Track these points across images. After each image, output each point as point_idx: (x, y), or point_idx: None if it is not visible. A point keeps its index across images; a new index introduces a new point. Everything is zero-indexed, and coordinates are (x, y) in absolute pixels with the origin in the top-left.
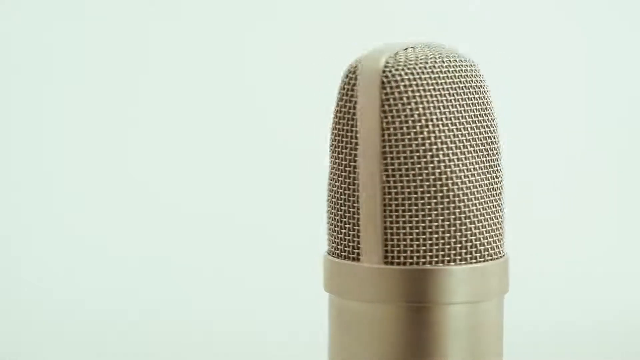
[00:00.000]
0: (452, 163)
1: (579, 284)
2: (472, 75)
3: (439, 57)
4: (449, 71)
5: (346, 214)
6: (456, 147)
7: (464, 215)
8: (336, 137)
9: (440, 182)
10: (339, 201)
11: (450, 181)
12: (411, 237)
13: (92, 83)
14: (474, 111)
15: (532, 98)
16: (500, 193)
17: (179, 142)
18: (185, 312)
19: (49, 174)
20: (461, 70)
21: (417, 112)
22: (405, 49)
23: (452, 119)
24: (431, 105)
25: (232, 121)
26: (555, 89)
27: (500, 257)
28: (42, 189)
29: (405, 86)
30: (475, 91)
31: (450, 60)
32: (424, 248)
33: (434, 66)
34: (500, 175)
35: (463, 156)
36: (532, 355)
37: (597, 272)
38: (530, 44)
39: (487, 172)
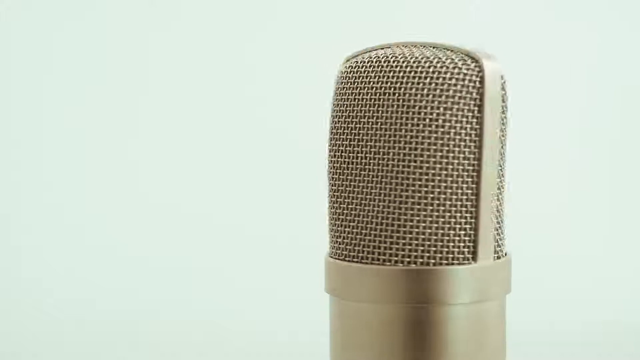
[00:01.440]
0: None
1: (580, 284)
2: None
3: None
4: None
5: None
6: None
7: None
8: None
9: (444, 184)
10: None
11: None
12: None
13: (93, 83)
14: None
15: (532, 98)
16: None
17: (181, 143)
18: (185, 312)
19: (50, 174)
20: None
21: (504, 114)
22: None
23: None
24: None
25: (234, 123)
26: (554, 89)
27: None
28: (43, 189)
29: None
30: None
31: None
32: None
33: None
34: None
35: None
36: (535, 354)
37: (599, 273)
38: (530, 44)
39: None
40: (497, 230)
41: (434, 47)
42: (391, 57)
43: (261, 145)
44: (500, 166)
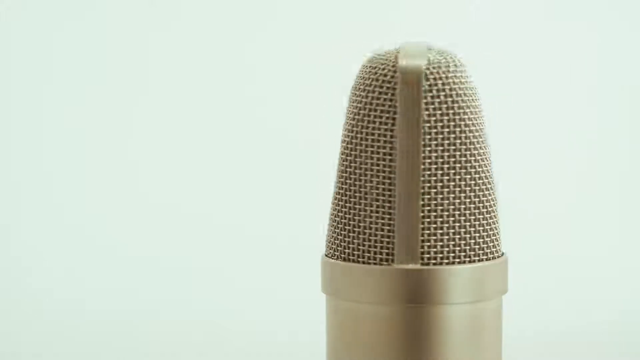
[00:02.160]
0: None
1: (578, 284)
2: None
3: (452, 61)
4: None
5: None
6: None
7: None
8: (361, 140)
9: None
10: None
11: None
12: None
13: (92, 83)
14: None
15: (531, 98)
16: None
17: (181, 143)
18: (185, 312)
19: (49, 174)
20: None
21: (452, 112)
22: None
23: (478, 118)
24: (465, 105)
25: (234, 123)
26: (554, 90)
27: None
28: (42, 189)
29: (444, 85)
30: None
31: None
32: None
33: (456, 69)
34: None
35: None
36: (531, 356)
37: (597, 272)
38: (529, 44)
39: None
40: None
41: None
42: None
43: (261, 145)
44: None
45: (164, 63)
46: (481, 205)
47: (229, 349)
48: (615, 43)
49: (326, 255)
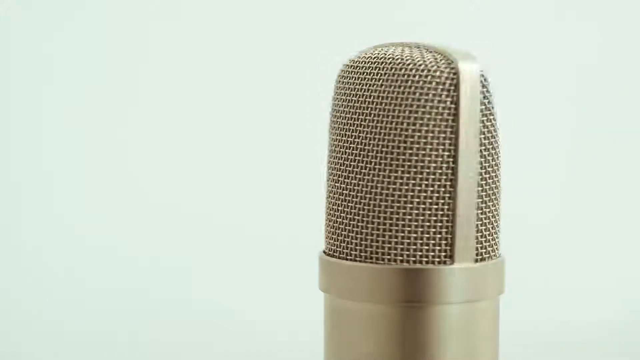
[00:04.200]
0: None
1: (575, 285)
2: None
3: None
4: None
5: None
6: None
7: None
8: (397, 137)
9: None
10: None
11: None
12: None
13: (92, 83)
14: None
15: (530, 98)
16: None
17: (181, 143)
18: (185, 312)
19: (49, 174)
20: None
21: (494, 113)
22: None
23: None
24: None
25: (234, 123)
26: (555, 90)
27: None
28: (42, 189)
29: (489, 88)
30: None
31: None
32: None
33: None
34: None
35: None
36: (527, 355)
37: (593, 273)
38: (528, 44)
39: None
40: (490, 231)
41: (418, 48)
42: (380, 59)
43: (261, 145)
44: (495, 167)
45: (163, 63)
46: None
47: (229, 349)
48: (611, 46)
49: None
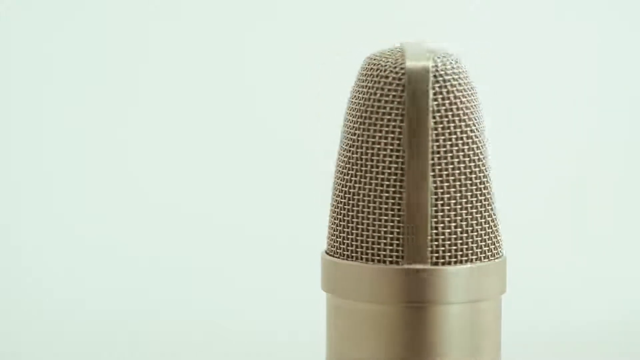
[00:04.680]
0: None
1: (577, 285)
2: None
3: (456, 59)
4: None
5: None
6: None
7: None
8: (365, 138)
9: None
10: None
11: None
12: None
13: (92, 83)
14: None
15: (531, 98)
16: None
17: (181, 143)
18: (185, 312)
19: (49, 174)
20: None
21: (461, 112)
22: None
23: (479, 120)
24: (471, 105)
25: (234, 123)
26: (556, 89)
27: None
28: (42, 189)
29: (452, 85)
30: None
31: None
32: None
33: (461, 68)
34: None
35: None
36: (529, 356)
37: (595, 273)
38: (529, 44)
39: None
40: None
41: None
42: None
43: (261, 145)
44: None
45: (163, 63)
46: (482, 206)
47: (229, 349)
48: (613, 47)
49: (326, 252)
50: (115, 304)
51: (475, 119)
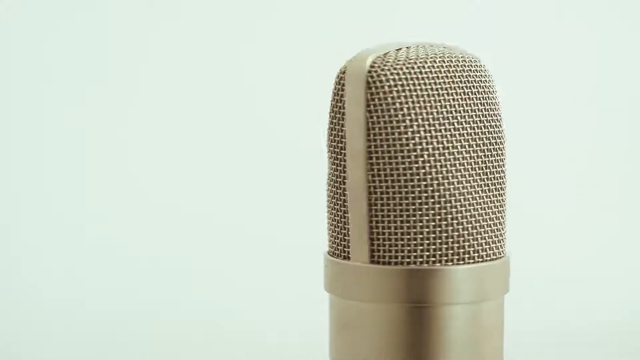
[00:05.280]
0: (438, 163)
1: (579, 284)
2: (472, 74)
3: (431, 57)
4: (441, 71)
5: (345, 215)
6: (444, 147)
7: (459, 215)
8: (330, 138)
9: (425, 183)
10: (337, 202)
11: (436, 182)
12: (409, 237)
13: (92, 83)
14: (474, 111)
15: (533, 98)
16: (501, 193)
17: (181, 143)
18: (185, 312)
19: (49, 174)
20: (459, 69)
21: (401, 112)
22: (399, 49)
23: (441, 119)
24: (417, 105)
25: (234, 123)
26: (557, 89)
27: (501, 257)
28: (42, 189)
29: (390, 86)
30: (476, 91)
31: (445, 60)
32: (421, 248)
33: (424, 66)
34: (502, 176)
35: (452, 156)
36: (532, 355)
37: (597, 273)
38: (532, 43)
39: (487, 171)
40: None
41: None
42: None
43: (261, 145)
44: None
45: (163, 63)
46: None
47: (229, 349)
48: (618, 44)
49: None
50: (115, 304)
51: (425, 116)
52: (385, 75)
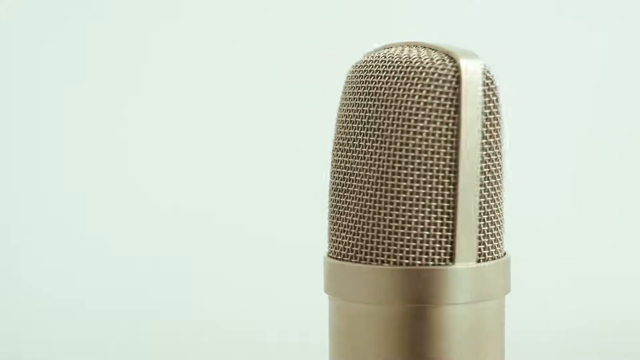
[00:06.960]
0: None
1: (579, 284)
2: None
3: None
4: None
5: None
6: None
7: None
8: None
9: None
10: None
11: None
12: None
13: (92, 83)
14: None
15: (533, 98)
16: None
17: (180, 142)
18: (185, 312)
19: (49, 174)
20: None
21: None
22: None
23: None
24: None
25: (234, 123)
26: (557, 89)
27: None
28: (42, 189)
29: (497, 87)
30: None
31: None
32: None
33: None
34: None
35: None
36: (533, 355)
37: (598, 272)
38: (532, 43)
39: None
40: (497, 230)
41: (423, 47)
42: (384, 59)
43: (261, 145)
44: (497, 167)
45: (163, 63)
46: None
47: (229, 349)
48: (617, 44)
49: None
50: (115, 304)
51: (499, 120)
52: (491, 75)
